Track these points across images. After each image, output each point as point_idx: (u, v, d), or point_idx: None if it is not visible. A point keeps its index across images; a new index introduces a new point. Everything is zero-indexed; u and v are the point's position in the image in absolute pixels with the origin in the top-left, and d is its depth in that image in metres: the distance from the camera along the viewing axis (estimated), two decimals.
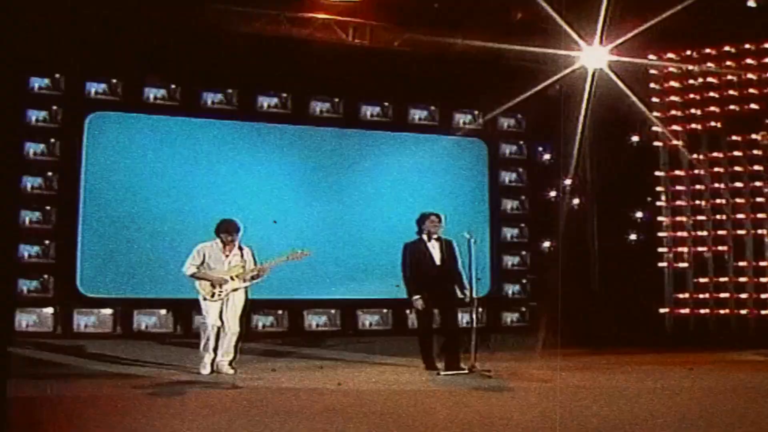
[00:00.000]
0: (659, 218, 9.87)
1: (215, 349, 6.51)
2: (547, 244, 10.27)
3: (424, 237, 6.79)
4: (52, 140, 8.64)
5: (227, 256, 6.58)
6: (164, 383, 6.03)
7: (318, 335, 9.33)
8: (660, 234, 9.86)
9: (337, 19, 8.84)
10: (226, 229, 6.58)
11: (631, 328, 9.29)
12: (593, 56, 8.65)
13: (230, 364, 6.53)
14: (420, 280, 6.66)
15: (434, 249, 6.71)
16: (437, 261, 6.70)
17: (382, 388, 6.01)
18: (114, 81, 8.85)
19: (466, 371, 6.52)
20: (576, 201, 10.22)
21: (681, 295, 9.72)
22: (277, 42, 8.70)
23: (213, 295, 6.52)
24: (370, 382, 6.31)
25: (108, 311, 8.76)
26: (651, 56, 9.63)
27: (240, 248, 6.63)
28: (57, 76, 8.63)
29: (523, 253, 10.53)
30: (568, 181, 10.08)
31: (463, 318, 6.96)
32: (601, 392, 5.88)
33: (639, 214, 10.03)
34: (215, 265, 6.54)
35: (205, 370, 6.45)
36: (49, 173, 8.62)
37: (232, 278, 6.52)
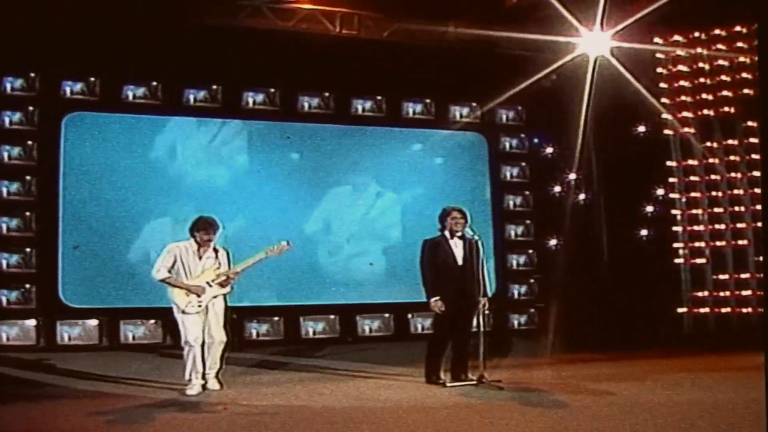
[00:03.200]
0: (673, 211, 9.35)
1: (203, 364, 5.87)
2: (553, 242, 9.78)
3: (446, 234, 6.26)
4: (29, 143, 8.30)
5: (201, 258, 5.93)
6: (142, 406, 5.37)
7: (315, 343, 8.89)
8: (674, 228, 9.32)
9: (323, 9, 8.45)
10: (204, 227, 5.91)
11: (646, 330, 8.69)
12: (594, 42, 8.24)
13: (216, 376, 5.94)
14: (439, 280, 6.17)
15: (456, 247, 6.20)
16: (459, 260, 6.18)
17: (382, 405, 5.42)
18: (91, 79, 8.50)
19: (475, 382, 6.02)
20: (582, 196, 9.75)
21: (699, 294, 9.15)
22: (261, 35, 8.30)
23: (191, 306, 5.83)
24: (367, 398, 5.75)
25: (93, 322, 8.37)
26: (656, 39, 9.12)
27: (215, 249, 6.00)
28: (32, 75, 8.31)
29: (529, 251, 10.05)
30: (572, 176, 9.61)
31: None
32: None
33: (649, 208, 9.48)
34: (188, 267, 5.88)
35: (193, 390, 5.79)
36: (27, 177, 8.27)
37: (209, 284, 5.87)
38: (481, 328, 6.07)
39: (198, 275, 5.88)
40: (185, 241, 6.00)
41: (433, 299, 6.12)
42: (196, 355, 5.80)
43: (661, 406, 5.22)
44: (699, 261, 9.19)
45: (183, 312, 5.82)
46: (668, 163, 9.37)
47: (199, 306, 5.82)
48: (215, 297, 5.90)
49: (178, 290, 5.83)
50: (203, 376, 5.87)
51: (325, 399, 5.68)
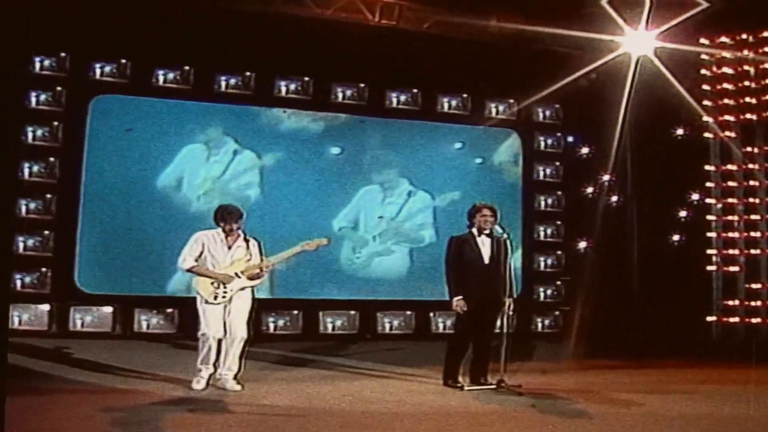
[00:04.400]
0: (708, 217, 9.14)
1: (215, 362, 5.57)
2: (583, 244, 9.58)
3: (474, 231, 6.05)
4: (55, 123, 8.05)
5: (230, 248, 5.63)
6: (147, 404, 5.05)
7: (334, 339, 8.70)
8: (708, 234, 9.12)
9: None
10: (224, 217, 5.60)
11: (673, 338, 8.53)
12: (638, 41, 8.05)
13: (236, 378, 5.64)
14: (464, 279, 5.97)
15: (484, 245, 5.97)
16: (485, 259, 5.95)
17: (396, 410, 5.16)
18: (123, 62, 8.24)
19: (494, 386, 5.82)
20: (615, 198, 9.54)
21: (730, 302, 8.96)
22: (298, 23, 8.05)
23: (216, 297, 5.54)
24: (383, 400, 5.49)
25: (107, 309, 8.15)
26: (702, 40, 8.89)
27: (246, 240, 5.71)
28: (62, 55, 8.04)
29: (558, 253, 9.85)
30: (606, 177, 9.40)
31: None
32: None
33: (683, 213, 9.30)
34: (216, 257, 5.58)
35: (200, 384, 5.53)
36: (51, 159, 8.03)
37: (237, 275, 5.58)
38: (505, 330, 5.88)
39: (227, 266, 5.60)
40: (213, 229, 5.69)
41: (455, 298, 5.91)
42: (212, 347, 5.53)
43: (686, 418, 5.05)
44: (732, 269, 8.99)
45: (206, 302, 5.54)
46: (706, 167, 9.17)
47: (224, 297, 5.54)
48: (242, 289, 5.61)
49: (203, 279, 5.56)
50: (212, 376, 5.60)
51: (339, 400, 5.43)
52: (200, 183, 8.61)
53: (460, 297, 5.93)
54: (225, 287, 5.56)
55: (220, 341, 5.60)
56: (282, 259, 5.80)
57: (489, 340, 6.03)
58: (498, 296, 5.91)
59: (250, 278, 5.65)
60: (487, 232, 5.99)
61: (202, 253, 5.61)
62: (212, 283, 5.55)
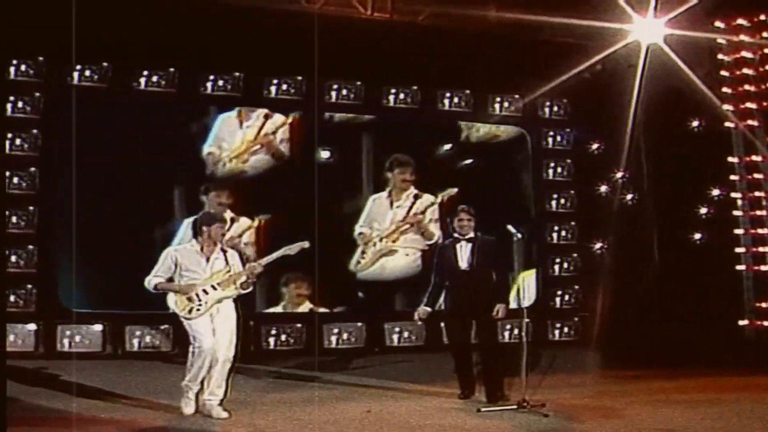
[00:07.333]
0: (734, 213, 8.61)
1: (203, 380, 5.19)
2: (598, 245, 9.09)
3: (457, 236, 5.82)
4: (34, 131, 7.69)
5: (208, 260, 5.27)
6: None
7: (339, 353, 8.25)
8: (736, 231, 8.57)
9: None
10: (208, 223, 5.30)
11: (701, 344, 7.91)
12: (647, 29, 7.69)
13: (221, 404, 5.18)
14: (440, 287, 5.89)
15: (462, 251, 5.75)
16: (463, 265, 5.71)
17: None
18: (104, 65, 7.89)
19: (515, 406, 5.35)
20: (630, 196, 9.05)
21: (764, 305, 8.37)
22: (286, 17, 7.70)
23: (191, 311, 5.17)
24: (392, 423, 5.07)
25: (97, 328, 7.74)
26: (718, 24, 8.41)
27: (223, 251, 5.33)
28: (40, 59, 7.71)
29: (573, 256, 9.33)
30: (620, 174, 8.93)
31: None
32: None
33: (705, 210, 8.74)
34: (193, 272, 5.22)
35: (190, 407, 5.19)
36: (31, 169, 7.66)
37: (213, 287, 5.20)
38: (524, 341, 5.45)
39: (207, 278, 5.23)
40: (185, 243, 5.43)
41: (420, 307, 5.87)
42: (205, 363, 5.12)
43: None
44: (764, 268, 8.42)
45: (188, 318, 5.18)
46: (729, 159, 8.66)
47: (199, 309, 5.17)
48: (220, 301, 5.22)
49: (177, 295, 5.20)
50: (200, 399, 5.20)
51: (343, 425, 5.00)
52: None
53: (426, 307, 5.82)
54: (199, 299, 5.18)
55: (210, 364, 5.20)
56: (266, 262, 5.39)
57: (494, 351, 5.72)
58: (483, 303, 5.62)
59: (243, 286, 5.26)
60: (468, 236, 5.71)
61: (176, 270, 5.23)
62: (187, 298, 5.18)
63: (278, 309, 8.45)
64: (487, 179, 8.96)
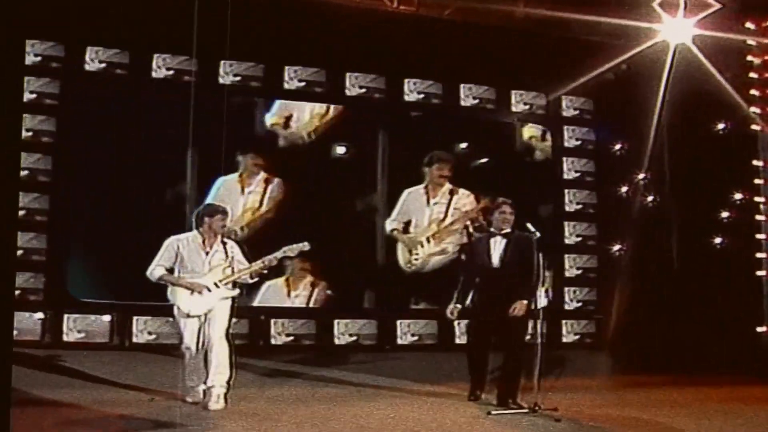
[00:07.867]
0: (757, 217, 8.45)
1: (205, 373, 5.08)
2: (617, 247, 8.95)
3: (493, 230, 5.66)
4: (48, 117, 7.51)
5: (207, 253, 5.09)
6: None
7: (350, 349, 8.14)
8: (758, 236, 8.42)
9: None
10: (211, 214, 5.14)
11: (718, 351, 7.82)
12: (676, 28, 7.50)
13: (227, 392, 5.07)
14: (469, 284, 5.71)
15: (495, 247, 5.56)
16: (495, 262, 5.53)
17: None
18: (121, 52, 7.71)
19: (526, 410, 5.21)
20: (651, 198, 8.90)
21: None
22: (308, 8, 7.48)
23: (193, 307, 5.06)
24: (398, 425, 4.93)
25: (105, 318, 7.61)
26: (748, 25, 8.24)
27: (223, 243, 5.14)
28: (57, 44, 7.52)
29: (590, 256, 9.20)
30: (641, 175, 8.79)
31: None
32: None
33: (727, 214, 8.62)
34: (192, 265, 5.06)
35: (196, 398, 5.12)
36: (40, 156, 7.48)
37: (216, 285, 5.02)
38: (539, 342, 5.31)
39: (205, 273, 5.06)
40: (189, 233, 5.18)
41: (450, 305, 5.66)
42: (199, 361, 5.06)
43: None
44: None
45: (187, 316, 5.02)
46: (754, 162, 8.49)
47: (202, 309, 5.03)
48: (221, 300, 5.07)
49: (180, 290, 5.03)
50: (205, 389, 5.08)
51: (347, 426, 4.87)
52: None
53: (457, 304, 5.63)
54: (203, 297, 5.02)
55: (207, 352, 5.06)
56: (261, 266, 5.20)
57: (518, 354, 5.49)
58: (509, 302, 5.41)
59: (231, 286, 5.11)
60: (506, 231, 5.50)
61: (176, 261, 5.07)
62: (191, 294, 5.01)
63: (280, 280, 8.18)
64: (511, 178, 8.80)
